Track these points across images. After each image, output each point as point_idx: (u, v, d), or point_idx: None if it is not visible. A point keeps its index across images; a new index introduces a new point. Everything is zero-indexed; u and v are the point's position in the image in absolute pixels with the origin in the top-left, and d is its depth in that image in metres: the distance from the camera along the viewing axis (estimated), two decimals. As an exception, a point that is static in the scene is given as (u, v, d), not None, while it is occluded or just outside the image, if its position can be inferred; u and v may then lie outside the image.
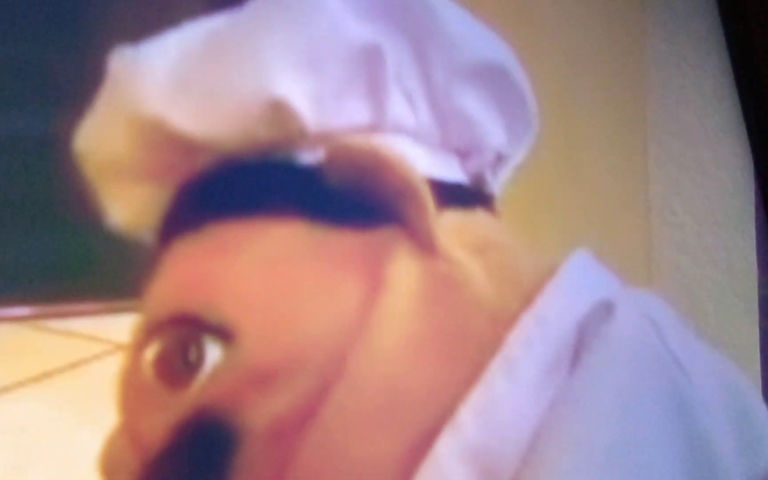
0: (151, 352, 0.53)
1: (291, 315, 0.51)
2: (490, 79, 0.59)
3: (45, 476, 1.22)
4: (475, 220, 0.58)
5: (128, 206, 0.59)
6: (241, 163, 0.55)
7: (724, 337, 1.53)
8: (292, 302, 0.52)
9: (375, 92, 0.55)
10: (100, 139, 0.58)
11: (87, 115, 0.58)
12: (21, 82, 1.41)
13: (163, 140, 0.55)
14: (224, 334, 0.51)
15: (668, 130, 1.59)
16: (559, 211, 1.37)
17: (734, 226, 1.59)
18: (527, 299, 0.53)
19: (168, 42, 0.56)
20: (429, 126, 0.57)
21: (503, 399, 0.50)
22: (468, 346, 0.52)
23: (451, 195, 0.57)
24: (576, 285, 0.55)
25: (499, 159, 0.62)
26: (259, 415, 0.50)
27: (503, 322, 0.52)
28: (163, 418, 0.52)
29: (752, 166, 1.60)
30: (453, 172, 0.59)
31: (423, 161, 0.56)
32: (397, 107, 0.56)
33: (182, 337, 0.52)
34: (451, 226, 0.55)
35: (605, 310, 0.53)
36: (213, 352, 0.51)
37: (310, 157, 0.55)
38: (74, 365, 1.34)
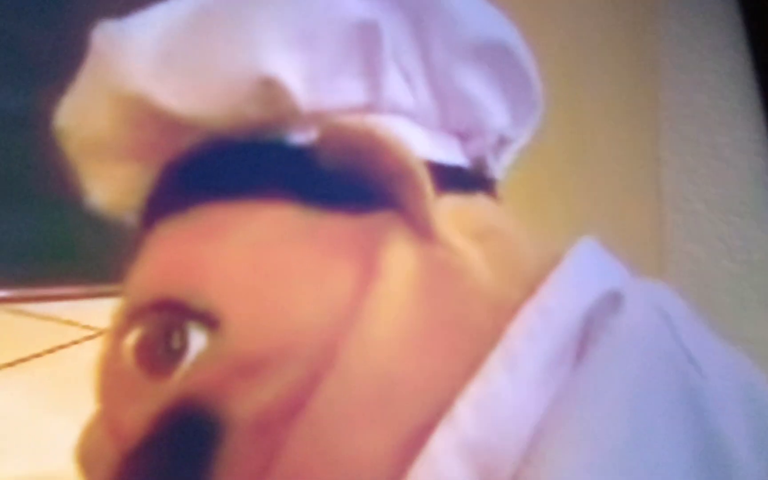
0: (132, 339, 0.53)
1: (280, 302, 0.51)
2: (493, 58, 0.59)
3: (19, 464, 1.23)
4: (476, 205, 0.58)
5: (110, 186, 0.59)
6: (229, 143, 0.55)
7: (741, 331, 1.52)
8: (282, 288, 0.52)
9: (371, 71, 0.55)
10: (82, 115, 0.58)
11: (69, 91, 0.59)
12: (1, 57, 1.41)
13: (148, 118, 0.55)
14: (209, 321, 0.51)
15: (682, 112, 1.59)
16: (565, 197, 1.37)
17: (751, 215, 1.59)
18: (530, 289, 0.53)
19: (154, 15, 0.56)
20: (428, 106, 0.58)
21: (503, 393, 0.50)
22: (466, 336, 0.52)
23: (451, 178, 0.57)
24: (582, 274, 0.56)
25: (502, 142, 0.62)
26: (245, 405, 0.50)
27: (504, 313, 0.52)
28: (144, 407, 0.52)
29: (771, 151, 1.60)
30: (453, 155, 0.59)
31: (421, 143, 0.57)
32: (395, 87, 0.56)
33: (165, 323, 0.52)
34: (449, 211, 0.55)
35: (613, 301, 0.53)
36: (197, 340, 0.51)
37: (302, 137, 0.55)
38: (51, 350, 1.35)
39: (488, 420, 0.50)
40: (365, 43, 0.55)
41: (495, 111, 0.60)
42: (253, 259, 0.52)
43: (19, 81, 1.46)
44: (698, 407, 0.50)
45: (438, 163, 0.57)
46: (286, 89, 0.54)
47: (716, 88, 1.59)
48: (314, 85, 0.54)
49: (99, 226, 0.62)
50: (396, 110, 0.56)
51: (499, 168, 0.64)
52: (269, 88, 0.53)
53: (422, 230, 0.53)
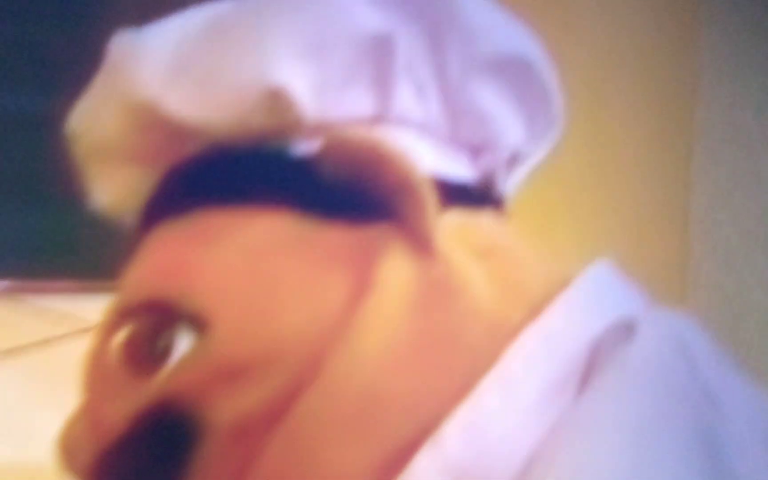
0: (121, 336, 0.55)
1: (269, 309, 0.53)
2: (511, 72, 0.60)
3: (2, 450, 1.25)
4: (481, 221, 0.59)
5: (114, 187, 0.62)
6: (231, 151, 0.57)
7: None
8: (272, 296, 0.53)
9: (381, 82, 0.57)
10: (93, 119, 0.61)
11: (83, 96, 0.62)
12: (18, 61, 1.50)
13: (155, 124, 0.57)
14: (197, 324, 0.53)
15: (719, 133, 1.56)
16: (582, 217, 1.36)
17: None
18: (534, 311, 0.54)
19: (170, 26, 0.59)
20: (438, 119, 0.59)
21: (496, 417, 0.51)
22: (460, 356, 0.52)
23: (457, 194, 0.58)
24: (592, 299, 0.56)
25: (515, 157, 0.63)
26: (225, 409, 0.52)
27: (503, 334, 0.53)
28: (126, 404, 0.54)
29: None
30: (461, 169, 0.60)
31: (428, 156, 0.58)
32: (405, 98, 0.58)
33: (154, 323, 0.54)
34: (452, 227, 0.56)
35: (625, 329, 0.53)
36: (184, 341, 0.53)
37: (306, 146, 0.57)
38: (45, 341, 1.37)
39: (477, 443, 0.50)
40: (377, 56, 0.57)
41: (509, 126, 0.61)
42: (245, 265, 0.54)
43: (35, 86, 1.57)
44: (714, 448, 0.50)
45: (445, 177, 0.58)
46: (292, 100, 0.56)
47: (760, 109, 1.57)
48: (322, 96, 0.56)
49: (98, 224, 0.65)
50: (405, 122, 0.58)
51: (510, 184, 0.65)
52: (276, 99, 0.56)
53: (422, 245, 0.54)
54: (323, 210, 0.55)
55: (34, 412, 1.25)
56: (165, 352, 0.53)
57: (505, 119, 0.61)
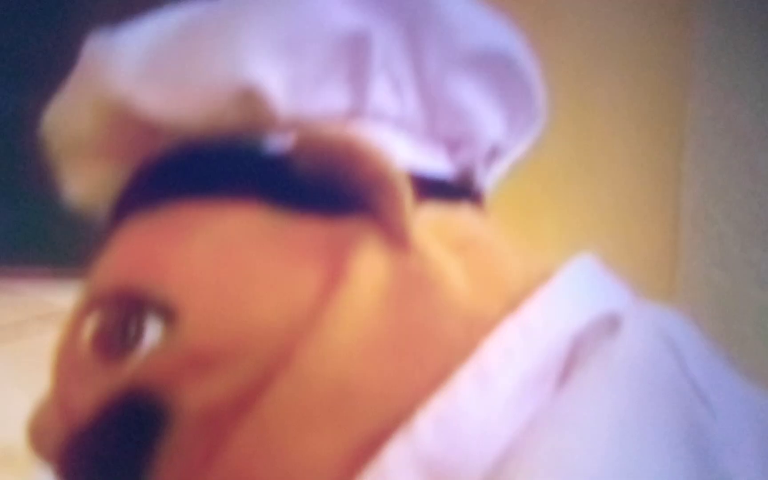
0: (91, 323, 0.57)
1: (238, 300, 0.54)
2: (491, 67, 0.62)
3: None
4: (459, 215, 0.60)
5: (87, 182, 0.65)
6: (204, 146, 0.59)
7: (765, 368, 1.50)
8: (242, 287, 0.55)
9: (356, 78, 0.59)
10: (66, 117, 0.63)
11: (58, 94, 0.64)
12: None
13: (129, 121, 0.59)
14: (167, 312, 0.55)
15: (713, 126, 1.56)
16: (571, 211, 1.36)
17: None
18: (512, 304, 0.55)
19: (144, 26, 0.61)
20: (415, 114, 0.60)
21: (470, 409, 0.52)
22: (435, 349, 0.53)
23: (434, 188, 0.60)
24: (574, 293, 0.57)
25: (495, 152, 0.65)
26: (193, 397, 0.53)
27: (480, 327, 0.54)
28: (94, 391, 0.56)
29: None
30: (438, 164, 0.62)
31: (404, 151, 0.60)
32: (381, 94, 0.59)
33: (124, 311, 0.56)
34: (429, 221, 0.57)
35: (609, 324, 0.54)
36: (153, 330, 0.55)
37: (279, 143, 0.58)
38: (16, 326, 1.39)
39: (450, 435, 0.51)
40: (353, 53, 0.58)
41: (489, 121, 0.63)
42: (216, 256, 0.56)
43: (11, 83, 1.62)
44: (703, 446, 0.50)
45: (422, 171, 0.60)
46: (266, 97, 0.57)
47: (757, 101, 1.57)
48: (296, 93, 0.58)
49: (71, 214, 0.68)
50: (380, 117, 0.60)
51: (489, 178, 0.66)
52: (249, 96, 0.57)
53: (397, 239, 0.55)
54: (296, 204, 0.57)
55: (5, 396, 1.27)
56: (135, 340, 0.55)
57: (484, 114, 0.62)
